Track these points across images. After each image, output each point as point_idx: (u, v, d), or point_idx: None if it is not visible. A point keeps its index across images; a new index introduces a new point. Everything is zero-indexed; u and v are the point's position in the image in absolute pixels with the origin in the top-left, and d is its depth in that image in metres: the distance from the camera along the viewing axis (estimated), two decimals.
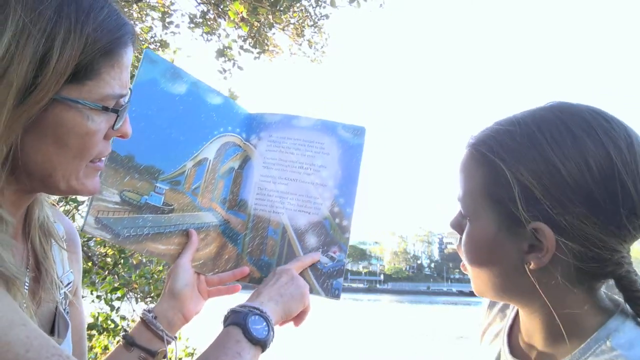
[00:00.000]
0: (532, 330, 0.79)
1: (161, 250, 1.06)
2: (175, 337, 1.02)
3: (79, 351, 0.94)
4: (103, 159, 0.80)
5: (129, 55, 0.76)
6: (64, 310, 0.87)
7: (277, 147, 1.16)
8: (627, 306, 0.71)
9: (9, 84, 0.63)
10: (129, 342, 0.97)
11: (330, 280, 1.09)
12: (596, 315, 0.72)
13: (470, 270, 0.80)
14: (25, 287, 0.77)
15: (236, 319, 0.86)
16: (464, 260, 0.80)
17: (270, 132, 1.17)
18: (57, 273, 0.85)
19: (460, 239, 0.81)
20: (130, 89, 0.79)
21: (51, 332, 0.83)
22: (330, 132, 1.16)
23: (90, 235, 1.02)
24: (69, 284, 0.91)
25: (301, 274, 1.08)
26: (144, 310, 1.02)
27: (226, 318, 0.89)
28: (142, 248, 1.05)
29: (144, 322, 0.99)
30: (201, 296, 1.08)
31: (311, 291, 1.06)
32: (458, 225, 0.81)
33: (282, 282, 0.99)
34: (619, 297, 0.73)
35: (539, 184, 0.67)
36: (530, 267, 0.70)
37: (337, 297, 1.08)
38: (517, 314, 0.88)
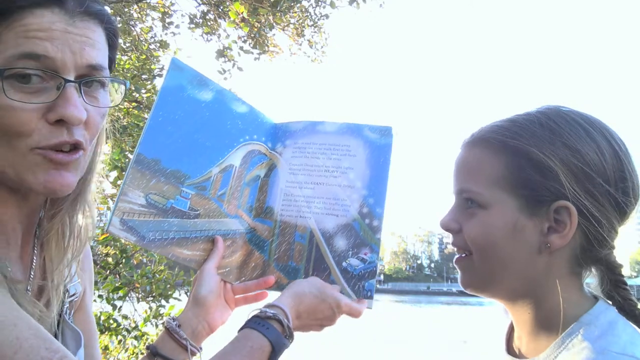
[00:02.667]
0: (521, 326, 0.82)
1: (186, 256, 1.05)
2: (201, 348, 0.98)
3: (87, 358, 0.91)
4: (78, 153, 0.73)
5: (35, 14, 0.66)
6: (69, 319, 0.85)
7: (302, 153, 1.15)
8: (608, 297, 0.77)
9: None
10: (153, 352, 0.93)
11: (361, 283, 1.07)
12: (579, 306, 0.75)
13: (479, 260, 0.80)
14: (28, 288, 0.76)
15: (275, 341, 0.85)
16: (474, 252, 0.81)
17: (296, 140, 1.17)
18: (65, 282, 0.83)
19: (458, 235, 0.83)
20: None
21: None
22: (356, 134, 1.15)
23: (114, 237, 1.01)
24: (74, 294, 0.89)
25: (332, 276, 1.07)
26: (168, 318, 0.99)
27: (262, 319, 0.88)
28: (168, 252, 1.04)
29: (168, 330, 0.96)
30: (228, 305, 1.06)
31: (341, 292, 1.05)
32: (455, 222, 0.83)
33: (325, 315, 0.98)
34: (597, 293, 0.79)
35: (564, 167, 0.74)
36: (552, 247, 0.75)
37: (370, 298, 1.06)
38: None
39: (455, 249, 0.86)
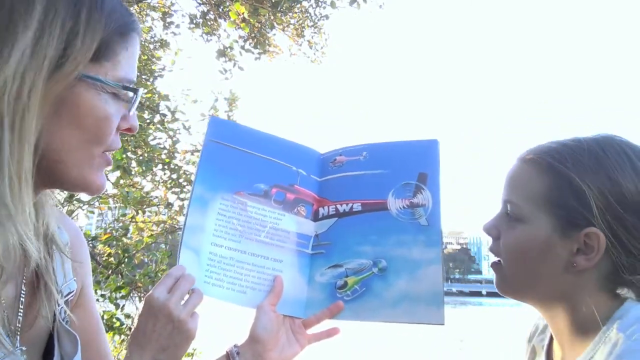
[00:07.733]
0: (560, 332, 0.88)
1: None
2: None
3: (92, 355, 0.91)
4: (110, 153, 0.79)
5: (138, 42, 0.77)
6: (63, 320, 0.83)
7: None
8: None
9: (42, 55, 0.64)
10: None
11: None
12: (612, 308, 0.81)
13: (509, 268, 0.88)
14: (22, 298, 0.75)
15: None
16: (505, 260, 0.88)
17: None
18: (57, 284, 0.82)
19: (496, 241, 0.90)
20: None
21: (46, 349, 0.80)
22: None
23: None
24: (69, 293, 0.87)
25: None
26: (233, 344, 0.99)
27: None
28: None
29: (228, 355, 0.96)
30: (297, 342, 1.03)
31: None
32: (495, 228, 0.91)
33: (166, 332, 0.87)
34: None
35: (601, 195, 0.79)
36: (577, 267, 0.81)
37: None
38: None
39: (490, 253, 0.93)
